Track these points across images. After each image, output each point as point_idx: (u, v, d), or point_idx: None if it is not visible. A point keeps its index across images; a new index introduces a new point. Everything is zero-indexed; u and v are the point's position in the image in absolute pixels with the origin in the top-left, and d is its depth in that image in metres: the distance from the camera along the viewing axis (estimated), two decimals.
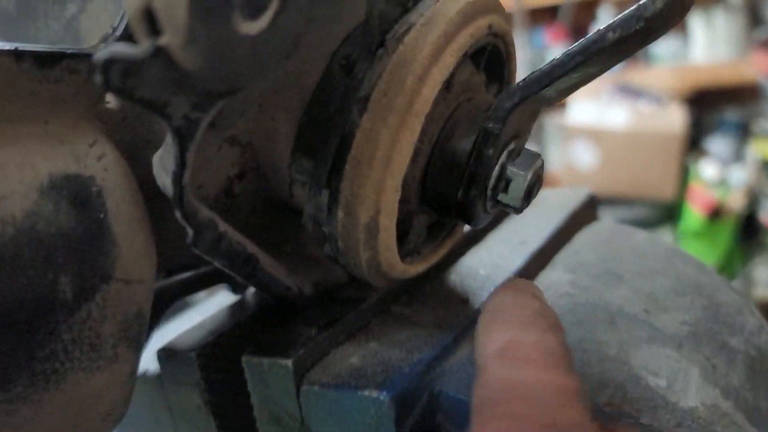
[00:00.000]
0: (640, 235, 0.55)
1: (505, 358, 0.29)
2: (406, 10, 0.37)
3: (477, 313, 0.42)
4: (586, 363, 0.38)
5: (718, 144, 2.58)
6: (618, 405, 0.36)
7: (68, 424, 0.30)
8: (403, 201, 0.36)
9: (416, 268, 0.41)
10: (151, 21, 0.22)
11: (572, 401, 0.27)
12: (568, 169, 2.59)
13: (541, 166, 0.38)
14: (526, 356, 0.29)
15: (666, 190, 2.47)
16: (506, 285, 0.34)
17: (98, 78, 0.23)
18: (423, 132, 0.36)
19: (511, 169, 0.37)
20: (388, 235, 0.36)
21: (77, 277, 0.29)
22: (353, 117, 0.34)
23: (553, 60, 0.35)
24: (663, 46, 2.69)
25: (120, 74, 0.23)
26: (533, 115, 0.39)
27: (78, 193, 0.29)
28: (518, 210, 0.38)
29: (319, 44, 0.36)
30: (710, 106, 2.68)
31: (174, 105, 0.26)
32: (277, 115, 0.37)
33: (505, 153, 0.37)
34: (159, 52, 0.23)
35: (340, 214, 0.35)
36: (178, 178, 0.29)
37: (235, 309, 0.45)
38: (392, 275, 0.39)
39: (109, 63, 0.23)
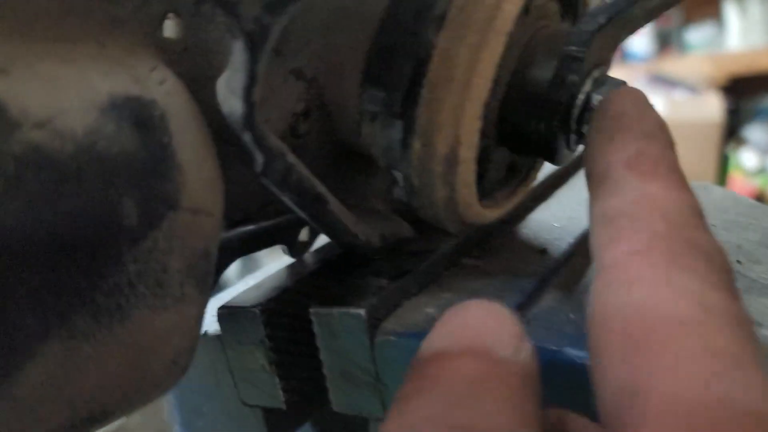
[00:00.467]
0: (717, 190, 0.52)
1: (636, 170, 0.26)
2: None
3: (556, 262, 0.39)
4: None
5: (756, 132, 2.54)
6: None
7: (133, 367, 0.28)
8: (482, 135, 0.34)
9: (492, 212, 0.39)
10: None
11: (704, 223, 0.25)
12: None
13: None
14: (655, 170, 0.26)
15: (706, 180, 2.43)
16: (621, 90, 0.31)
17: None
18: (502, 57, 0.33)
19: (598, 98, 0.34)
20: (467, 170, 0.34)
21: (142, 202, 0.26)
22: (428, 37, 0.32)
23: None
24: (697, 34, 2.65)
25: None
26: (615, 42, 0.36)
27: (140, 116, 0.27)
28: None
29: None
30: (747, 94, 2.64)
31: (245, 4, 0.24)
32: (343, 49, 0.35)
33: (589, 80, 0.34)
34: None
35: (416, 145, 0.33)
36: (248, 93, 0.26)
37: (295, 267, 0.43)
38: (468, 217, 0.36)
39: None
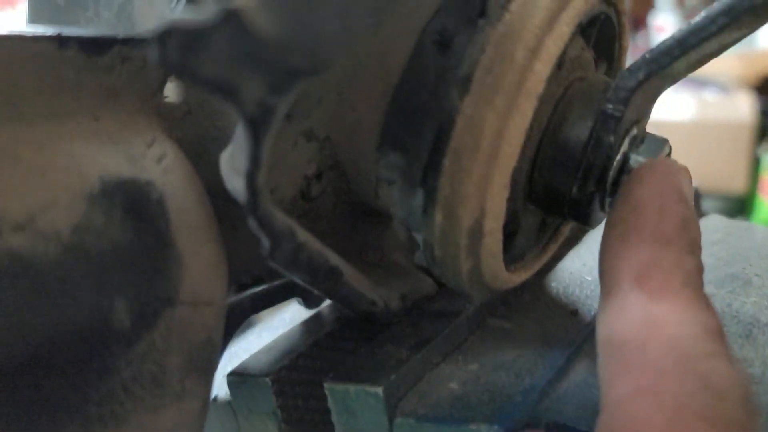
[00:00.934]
0: (760, 231, 0.49)
1: (646, 286, 0.24)
2: None
3: (589, 327, 0.37)
4: None
5: None
6: None
7: None
8: (509, 200, 0.31)
9: (520, 276, 0.36)
10: None
11: (720, 347, 0.23)
12: None
13: (669, 153, 0.32)
14: (666, 286, 0.24)
15: (737, 183, 2.37)
16: (650, 171, 0.28)
17: (154, 54, 0.18)
18: (533, 117, 0.30)
19: (636, 158, 0.31)
20: (493, 241, 0.31)
21: (136, 301, 0.24)
22: (452, 101, 0.29)
23: (687, 25, 0.29)
24: None
25: (180, 47, 0.18)
26: (655, 95, 0.33)
27: (134, 201, 0.25)
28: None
29: (406, 17, 0.31)
30: None
31: (247, 87, 0.21)
32: (359, 105, 0.32)
33: (627, 140, 0.32)
34: (230, 18, 0.18)
35: (438, 216, 0.30)
36: (252, 178, 0.24)
37: (310, 326, 0.40)
38: (495, 285, 0.34)
39: (167, 34, 0.18)
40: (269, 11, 0.18)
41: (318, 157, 0.33)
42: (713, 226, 0.50)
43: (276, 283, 0.40)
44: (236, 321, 0.38)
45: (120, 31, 0.30)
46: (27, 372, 0.21)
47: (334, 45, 0.21)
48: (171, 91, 0.29)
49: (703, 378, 0.21)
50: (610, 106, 0.31)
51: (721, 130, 2.36)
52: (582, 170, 0.31)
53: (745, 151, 2.36)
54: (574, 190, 0.32)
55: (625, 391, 0.22)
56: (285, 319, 0.48)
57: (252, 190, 0.24)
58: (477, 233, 0.30)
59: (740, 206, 2.42)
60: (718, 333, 0.23)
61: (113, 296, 0.23)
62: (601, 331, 0.25)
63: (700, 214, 0.53)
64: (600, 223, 0.34)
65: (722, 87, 2.48)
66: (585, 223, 0.34)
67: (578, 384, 0.33)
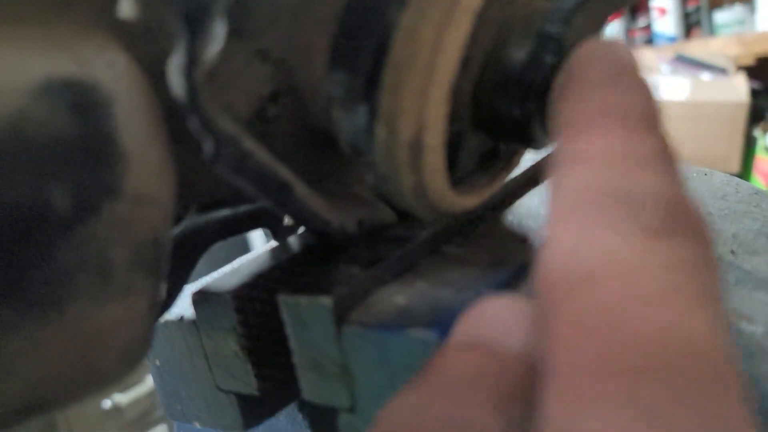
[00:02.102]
0: (718, 176, 0.50)
1: (569, 132, 0.24)
2: None
3: (537, 250, 0.38)
4: None
5: None
6: None
7: (74, 362, 0.27)
8: (453, 119, 0.32)
9: (469, 200, 0.37)
10: None
11: (646, 163, 0.22)
12: None
13: None
14: (589, 123, 0.24)
15: (731, 163, 2.39)
16: (591, 42, 0.28)
17: None
18: (474, 37, 0.31)
19: None
20: (435, 156, 0.32)
21: (77, 189, 0.25)
22: (390, 16, 0.30)
23: None
24: (726, 14, 2.60)
25: None
26: (600, 21, 0.34)
27: (80, 99, 0.26)
28: None
29: None
30: None
31: None
32: (312, 28, 0.33)
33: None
34: None
35: (381, 132, 0.31)
36: (189, 71, 0.25)
37: (275, 252, 0.42)
38: (441, 206, 0.35)
39: None
40: None
41: (273, 78, 0.34)
42: None
43: (242, 208, 0.41)
44: (202, 245, 0.40)
45: None
46: None
47: None
48: (128, 7, 0.30)
49: (615, 189, 0.21)
50: (550, 26, 0.32)
51: (717, 110, 2.37)
52: (522, 91, 0.33)
53: (740, 131, 2.37)
54: (516, 111, 0.33)
55: (546, 227, 0.23)
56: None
57: (191, 86, 0.25)
58: (417, 147, 0.31)
59: None
60: (654, 152, 0.22)
61: (52, 182, 0.24)
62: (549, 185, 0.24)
63: None
64: (544, 145, 0.36)
65: (719, 68, 2.49)
66: (528, 145, 0.35)
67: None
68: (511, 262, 0.37)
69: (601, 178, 0.22)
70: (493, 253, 0.38)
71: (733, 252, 0.39)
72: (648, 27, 2.92)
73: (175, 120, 0.30)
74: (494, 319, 0.24)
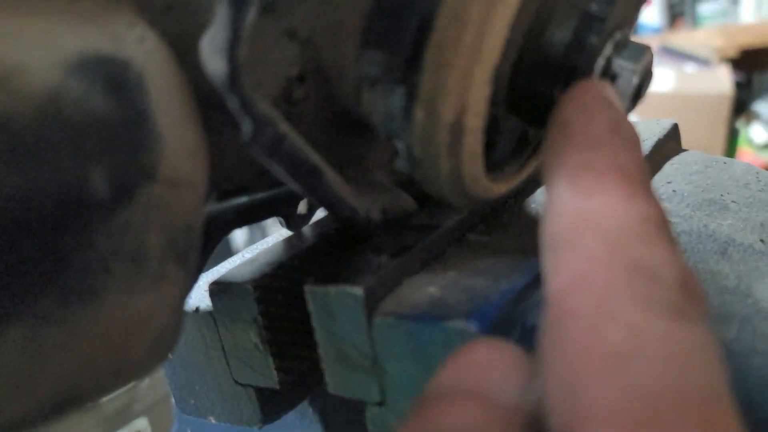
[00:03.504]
0: (739, 165, 0.50)
1: (577, 185, 0.24)
2: None
3: None
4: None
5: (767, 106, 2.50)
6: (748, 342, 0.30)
7: (110, 351, 0.26)
8: (491, 102, 0.31)
9: (500, 187, 0.36)
10: None
11: (656, 232, 0.23)
12: None
13: (651, 60, 0.32)
14: (598, 184, 0.24)
15: (715, 154, 2.40)
16: (572, 93, 0.29)
17: None
18: (516, 18, 0.30)
19: (619, 62, 0.31)
20: (474, 140, 0.31)
21: (115, 173, 0.24)
22: None
23: None
24: (710, 5, 2.61)
25: None
26: (640, 1, 0.33)
27: (114, 77, 0.24)
28: (626, 111, 0.32)
29: None
30: (759, 68, 2.60)
31: None
32: (342, 6, 0.32)
33: (610, 43, 0.32)
34: None
35: (419, 113, 0.30)
36: (232, 50, 0.24)
37: (292, 241, 0.40)
38: (474, 192, 0.34)
39: None
40: None
41: (301, 59, 0.32)
42: (692, 159, 0.50)
43: (259, 196, 0.40)
44: (219, 232, 0.38)
45: None
46: (1, 233, 0.21)
47: None
48: None
49: (634, 262, 0.21)
50: (594, 6, 0.31)
51: (701, 101, 2.38)
52: (564, 74, 0.32)
53: (723, 123, 2.38)
54: (556, 94, 0.32)
55: (557, 286, 0.22)
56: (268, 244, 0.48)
57: (234, 63, 0.24)
58: (458, 130, 0.30)
59: None
60: (657, 221, 0.23)
61: (90, 164, 0.23)
62: (541, 235, 0.25)
63: (680, 148, 0.53)
64: None
65: (703, 60, 2.50)
66: None
67: None
68: (539, 249, 0.35)
69: (618, 248, 0.22)
70: (520, 240, 0.37)
71: (762, 241, 0.39)
72: None
73: (201, 107, 0.29)
74: (487, 364, 0.24)
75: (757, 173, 0.48)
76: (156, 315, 0.27)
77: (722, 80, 2.37)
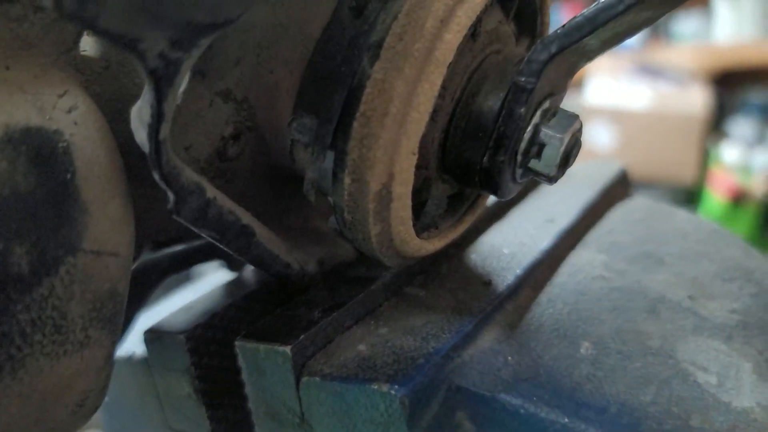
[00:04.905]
0: (681, 214, 0.50)
1: None
2: None
3: (500, 297, 0.37)
4: (625, 356, 0.34)
5: (741, 126, 2.52)
6: (664, 405, 0.31)
7: (30, 417, 0.26)
8: (420, 166, 0.32)
9: (433, 244, 0.37)
10: None
11: None
12: (585, 151, 2.52)
13: (580, 129, 0.33)
14: None
15: (687, 174, 2.41)
16: None
17: (48, 2, 0.18)
18: (444, 86, 0.31)
19: (546, 132, 0.32)
20: (402, 206, 0.32)
21: (35, 247, 0.24)
22: (363, 66, 0.29)
23: (598, 2, 0.30)
24: (685, 24, 2.62)
25: None
26: (571, 71, 0.34)
27: (40, 149, 0.25)
28: (552, 179, 0.33)
29: None
30: (733, 87, 2.62)
31: (148, 40, 0.22)
32: (278, 68, 0.33)
33: (538, 112, 0.32)
34: None
35: (347, 180, 0.30)
36: (154, 131, 0.24)
37: (231, 287, 0.41)
38: (406, 252, 0.34)
39: None
40: None
41: (236, 118, 0.33)
42: (636, 207, 0.51)
43: (195, 243, 0.40)
44: (154, 280, 0.39)
45: None
46: None
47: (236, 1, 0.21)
48: (88, 45, 0.29)
49: None
50: (522, 78, 0.31)
51: (675, 120, 2.39)
52: (493, 141, 0.32)
53: (696, 142, 2.40)
54: (485, 159, 0.33)
55: None
56: (212, 283, 0.49)
57: (155, 142, 0.25)
58: (385, 198, 0.31)
59: (689, 197, 2.46)
60: None
61: (11, 241, 0.23)
62: None
63: (627, 194, 0.54)
64: (512, 194, 0.35)
65: (678, 78, 2.52)
66: (495, 194, 0.34)
67: (484, 351, 0.34)
68: (474, 309, 0.36)
69: None
70: (455, 296, 0.38)
71: (691, 297, 0.39)
72: None
73: (130, 157, 0.29)
74: None
75: (698, 223, 0.49)
76: (79, 378, 0.27)
77: (697, 99, 2.38)
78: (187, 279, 0.51)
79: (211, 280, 0.48)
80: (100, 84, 0.30)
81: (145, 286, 0.38)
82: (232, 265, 0.44)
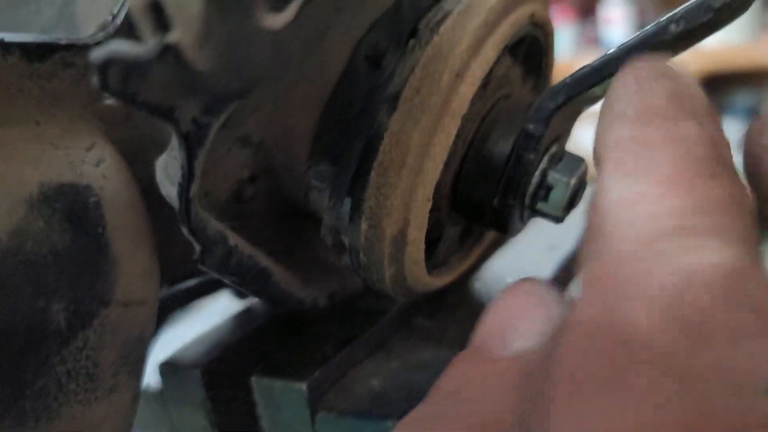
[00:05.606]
0: None
1: (622, 167, 0.20)
2: None
3: None
4: None
5: (727, 129, 2.54)
6: None
7: None
8: (433, 209, 0.33)
9: (443, 280, 0.38)
10: (158, 14, 0.19)
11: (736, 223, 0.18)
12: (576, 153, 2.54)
13: (585, 171, 0.34)
14: (649, 163, 0.19)
15: None
16: (622, 72, 0.23)
17: (95, 80, 0.19)
18: (457, 134, 0.32)
19: (553, 175, 0.33)
20: (416, 249, 0.33)
21: (72, 302, 0.25)
22: (381, 117, 0.30)
23: (605, 54, 0.31)
24: None
25: (121, 77, 0.19)
26: (575, 115, 0.35)
27: (73, 206, 0.26)
28: (559, 220, 0.34)
29: (342, 32, 0.32)
30: (720, 90, 2.64)
31: (182, 108, 0.23)
32: (294, 113, 0.33)
33: (546, 157, 0.33)
34: (167, 51, 0.19)
35: (364, 225, 0.32)
36: (184, 190, 0.25)
37: (242, 319, 0.42)
38: (417, 288, 0.36)
39: (108, 64, 0.19)
40: (205, 47, 0.19)
41: (252, 162, 0.34)
42: None
43: (207, 276, 0.41)
44: (167, 311, 0.40)
45: (62, 33, 0.31)
46: None
47: (266, 72, 0.22)
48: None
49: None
50: (531, 125, 0.32)
51: None
52: (502, 184, 0.33)
53: None
54: (495, 202, 0.34)
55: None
56: (219, 309, 0.50)
57: (185, 200, 0.26)
58: (400, 242, 0.32)
59: None
60: (745, 208, 0.19)
61: (51, 298, 0.24)
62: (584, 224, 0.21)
63: None
64: (519, 232, 0.36)
65: None
66: (504, 233, 0.35)
67: None
68: None
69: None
70: (463, 327, 0.39)
71: None
72: (596, 36, 2.95)
73: (149, 199, 0.30)
74: (510, 319, 0.24)
75: None
76: (108, 421, 0.28)
77: None
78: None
79: (217, 306, 0.49)
80: (122, 131, 0.31)
81: (159, 318, 0.39)
82: (240, 293, 0.45)
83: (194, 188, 0.26)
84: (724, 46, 2.51)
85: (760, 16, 2.48)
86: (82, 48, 0.28)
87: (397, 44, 0.31)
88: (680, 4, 0.30)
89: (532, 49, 0.38)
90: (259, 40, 0.21)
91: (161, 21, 0.19)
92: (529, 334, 0.23)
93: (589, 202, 0.20)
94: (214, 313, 0.49)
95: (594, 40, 2.83)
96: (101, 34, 0.29)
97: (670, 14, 0.30)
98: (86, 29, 0.34)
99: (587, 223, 0.20)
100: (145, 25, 0.19)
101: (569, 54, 2.66)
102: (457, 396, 0.22)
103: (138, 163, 0.31)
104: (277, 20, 0.21)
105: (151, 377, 0.40)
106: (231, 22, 0.19)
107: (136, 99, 0.21)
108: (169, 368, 0.38)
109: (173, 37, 0.19)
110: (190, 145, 0.24)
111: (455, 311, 0.41)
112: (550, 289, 0.24)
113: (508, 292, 0.25)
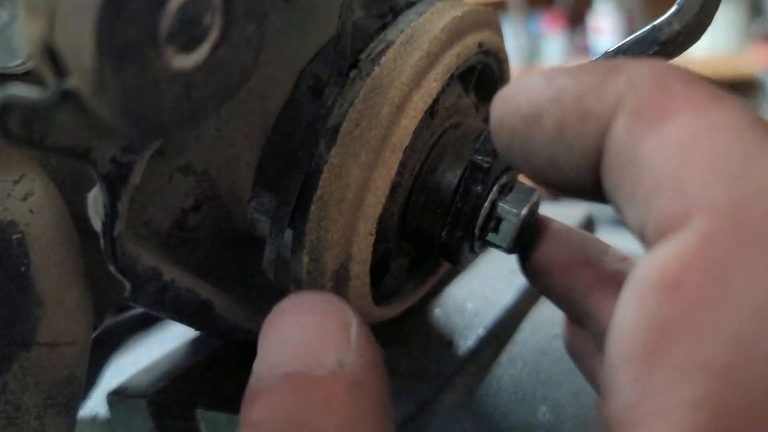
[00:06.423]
0: None
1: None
2: (384, 26, 0.32)
3: (461, 359, 0.38)
4: (582, 420, 0.34)
5: None
6: None
7: None
8: (379, 240, 0.32)
9: (394, 309, 0.37)
10: (55, 60, 0.18)
11: None
12: None
13: (537, 203, 0.33)
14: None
15: None
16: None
17: None
18: (403, 164, 0.31)
19: (503, 207, 0.33)
20: (360, 283, 0.32)
21: None
22: (320, 151, 0.30)
23: None
24: None
25: (22, 122, 0.19)
26: None
27: None
28: (509, 251, 0.33)
29: (284, 61, 0.32)
30: None
31: (98, 149, 0.22)
32: (238, 142, 0.33)
33: (495, 188, 0.33)
34: (67, 97, 0.18)
35: (305, 259, 0.31)
36: (108, 228, 0.24)
37: (196, 345, 0.41)
38: (367, 321, 0.35)
39: (6, 109, 0.18)
40: (104, 95, 0.18)
41: (196, 190, 0.33)
42: None
43: None
44: (116, 341, 0.39)
45: None
46: None
47: (177, 118, 0.21)
48: None
49: None
50: (479, 157, 0.32)
51: None
52: (450, 216, 0.33)
53: None
54: (444, 234, 0.33)
55: None
56: (178, 333, 0.49)
57: (109, 239, 0.25)
58: (343, 276, 0.31)
59: None
60: None
61: None
62: None
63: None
64: (469, 263, 0.36)
65: None
66: (455, 264, 0.35)
67: (442, 418, 0.34)
68: (434, 374, 0.36)
69: None
70: (416, 360, 0.38)
71: None
72: (585, 45, 2.96)
73: (90, 225, 0.29)
74: (300, 342, 0.23)
75: None
76: None
77: None
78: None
79: (176, 330, 0.48)
80: (58, 159, 0.30)
81: (110, 346, 0.38)
82: None
83: (119, 227, 0.25)
84: (711, 56, 2.52)
85: (746, 27, 2.48)
86: (9, 77, 0.27)
87: (339, 76, 0.31)
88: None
89: (484, 77, 0.37)
90: (166, 84, 0.20)
91: (59, 66, 0.18)
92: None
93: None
94: (172, 337, 0.48)
95: (583, 49, 2.83)
96: (30, 63, 0.28)
97: (618, 45, 0.30)
98: (23, 54, 0.33)
99: None
100: (43, 70, 0.18)
101: (559, 63, 2.66)
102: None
103: (79, 192, 0.30)
104: (185, 62, 0.20)
105: (99, 406, 0.39)
106: (129, 71, 0.18)
107: (44, 143, 0.20)
108: (116, 398, 0.37)
109: (71, 83, 0.18)
110: (112, 186, 0.24)
111: (411, 341, 0.40)
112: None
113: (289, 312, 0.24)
